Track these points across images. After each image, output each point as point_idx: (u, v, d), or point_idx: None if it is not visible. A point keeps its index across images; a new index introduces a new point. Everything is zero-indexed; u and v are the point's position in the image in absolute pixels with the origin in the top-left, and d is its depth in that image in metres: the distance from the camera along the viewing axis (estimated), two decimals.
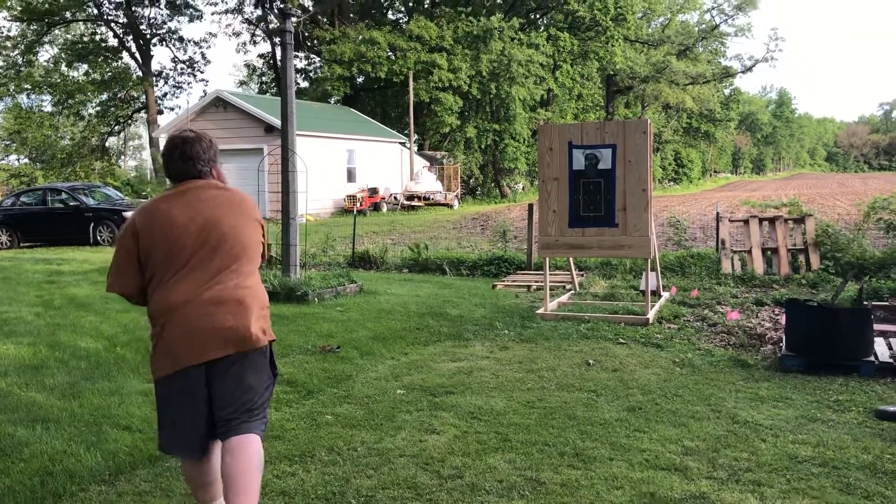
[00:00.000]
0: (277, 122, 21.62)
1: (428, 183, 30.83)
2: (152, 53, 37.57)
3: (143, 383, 5.57)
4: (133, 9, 36.62)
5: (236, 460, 2.89)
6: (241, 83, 56.59)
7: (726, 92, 63.16)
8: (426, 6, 41.19)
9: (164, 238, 2.98)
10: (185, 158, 3.10)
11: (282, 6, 29.86)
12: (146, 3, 37.47)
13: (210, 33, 61.96)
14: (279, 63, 34.10)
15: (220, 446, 3.04)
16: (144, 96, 36.91)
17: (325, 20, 37.26)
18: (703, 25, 56.51)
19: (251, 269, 3.12)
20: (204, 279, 2.98)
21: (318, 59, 39.88)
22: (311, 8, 38.31)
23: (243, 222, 3.11)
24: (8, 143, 37.93)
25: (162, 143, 32.65)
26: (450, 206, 30.51)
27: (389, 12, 43.60)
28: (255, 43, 45.51)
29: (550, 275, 9.91)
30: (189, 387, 2.97)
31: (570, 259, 9.48)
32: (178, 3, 37.93)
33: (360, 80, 38.00)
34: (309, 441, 4.32)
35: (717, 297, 8.81)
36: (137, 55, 37.13)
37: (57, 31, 39.04)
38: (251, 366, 3.03)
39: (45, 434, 4.49)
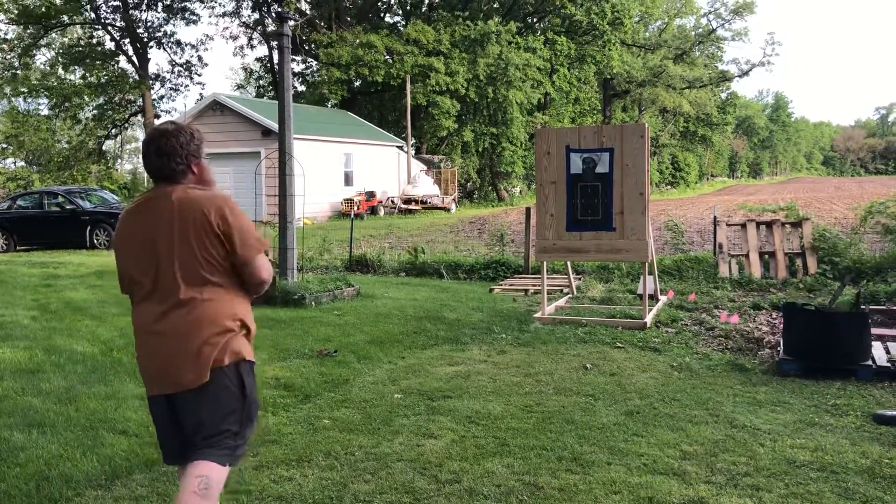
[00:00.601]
0: (274, 125, 21.62)
1: (425, 186, 30.84)
2: (149, 57, 37.56)
3: (140, 388, 5.54)
4: (130, 12, 36.62)
5: (182, 484, 2.80)
6: (239, 87, 56.64)
7: (723, 96, 63.37)
8: (423, 10, 41.26)
9: (124, 258, 2.89)
10: (160, 154, 2.84)
11: (279, 10, 29.85)
12: (143, 6, 37.49)
13: (207, 35, 61.87)
14: (276, 66, 34.10)
15: None
16: (141, 100, 36.89)
17: (322, 24, 37.32)
18: (700, 30, 56.76)
19: (201, 291, 2.77)
20: (153, 307, 2.81)
21: (315, 62, 39.92)
22: (308, 12, 38.34)
23: (190, 238, 2.75)
24: (5, 146, 37.88)
25: None
26: (447, 209, 30.51)
27: (387, 16, 43.70)
28: (252, 46, 45.71)
29: (548, 278, 9.90)
30: (156, 409, 2.92)
31: (568, 263, 9.48)
32: (175, 6, 37.96)
33: (357, 83, 38.05)
34: (306, 445, 4.31)
35: (715, 301, 8.81)
36: (134, 58, 37.12)
37: (54, 35, 39.00)
38: (200, 400, 2.79)
39: (41, 439, 4.47)
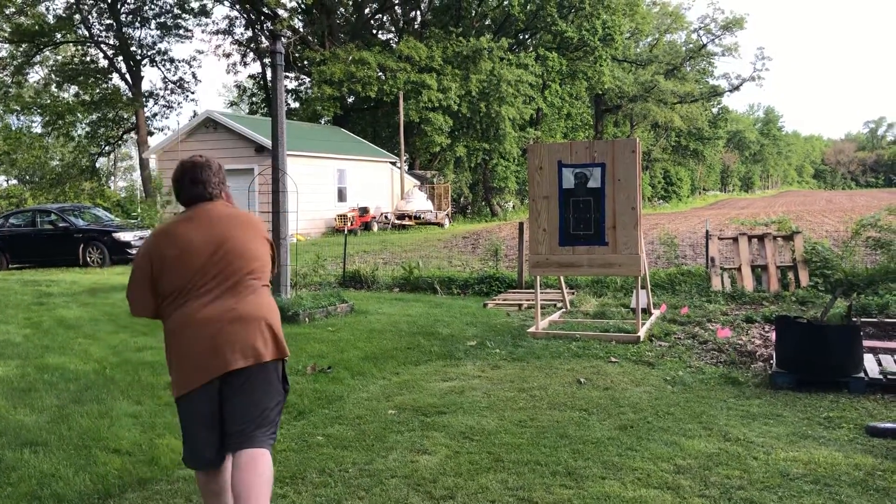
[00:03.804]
0: (268, 142, 21.66)
1: (419, 202, 30.87)
2: (142, 74, 37.64)
3: (133, 405, 5.54)
4: (123, 30, 36.73)
5: (247, 474, 2.95)
6: (232, 104, 56.77)
7: (714, 110, 63.76)
8: (416, 27, 41.49)
9: (182, 260, 3.07)
10: (195, 182, 3.22)
11: (272, 27, 29.97)
12: (136, 24, 37.63)
13: (199, 51, 62.54)
14: (269, 84, 34.26)
15: (231, 458, 3.13)
16: (135, 117, 36.93)
17: (315, 41, 37.48)
18: (691, 45, 57.22)
19: (261, 284, 3.24)
20: (219, 296, 3.08)
21: (308, 79, 40.04)
22: (301, 29, 38.52)
23: (253, 238, 3.23)
24: None
25: (152, 163, 32.70)
26: (440, 224, 30.54)
27: (379, 33, 43.91)
28: (245, 64, 45.81)
29: (541, 293, 9.92)
30: (202, 404, 3.06)
31: (561, 277, 9.50)
32: (168, 23, 38.10)
33: (350, 100, 38.17)
34: (300, 462, 4.30)
35: (708, 315, 8.84)
36: (127, 76, 37.20)
37: (47, 52, 39.10)
38: (260, 381, 3.10)
39: (34, 457, 4.45)
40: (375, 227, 28.99)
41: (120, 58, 37.28)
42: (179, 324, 3.07)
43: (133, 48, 37.31)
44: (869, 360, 6.00)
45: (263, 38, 40.06)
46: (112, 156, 54.47)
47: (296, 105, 41.11)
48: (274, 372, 3.17)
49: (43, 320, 9.58)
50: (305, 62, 37.78)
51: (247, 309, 3.11)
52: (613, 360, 6.78)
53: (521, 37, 43.53)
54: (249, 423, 3.05)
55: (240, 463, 2.98)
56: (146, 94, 38.67)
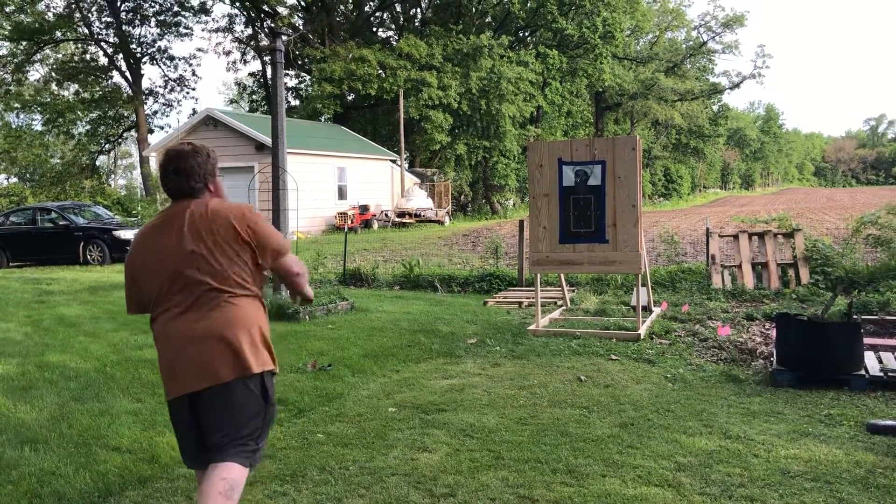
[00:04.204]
0: (268, 140, 21.62)
1: (419, 200, 30.86)
2: (142, 72, 37.65)
3: (133, 403, 5.54)
4: (123, 28, 36.72)
5: (203, 486, 2.93)
6: (232, 101, 56.66)
7: (714, 108, 63.70)
8: (416, 24, 41.46)
9: (148, 266, 3.02)
10: (178, 173, 3.03)
11: (272, 25, 29.94)
12: (136, 21, 37.62)
13: (199, 49, 62.49)
14: (270, 81, 34.24)
15: None
16: (135, 115, 36.92)
17: (315, 39, 37.45)
18: (691, 42, 57.20)
19: (227, 296, 2.98)
20: (186, 310, 2.97)
21: (308, 77, 40.02)
22: (301, 27, 38.49)
23: (225, 245, 2.97)
24: None
25: (152, 161, 32.70)
26: (441, 222, 30.52)
27: (379, 31, 43.88)
28: (245, 62, 45.71)
29: (542, 291, 9.92)
30: (179, 414, 3.06)
31: (562, 275, 9.50)
32: (168, 21, 38.11)
33: (350, 97, 38.15)
34: (300, 460, 4.29)
35: (708, 312, 8.83)
36: (128, 74, 37.21)
37: (47, 51, 39.11)
38: (228, 400, 2.96)
39: (34, 455, 4.44)
40: (376, 225, 28.98)
41: (120, 56, 37.28)
42: (156, 335, 3.06)
43: (133, 46, 37.30)
44: (870, 358, 5.99)
45: (263, 36, 40.04)
46: (112, 154, 54.54)
47: (296, 103, 41.10)
48: (243, 389, 2.97)
49: (43, 318, 9.57)
50: (305, 60, 37.77)
51: (207, 326, 2.93)
52: (614, 357, 6.78)
53: (521, 34, 43.49)
54: (222, 437, 2.98)
55: (206, 474, 2.96)
56: (146, 91, 38.68)
